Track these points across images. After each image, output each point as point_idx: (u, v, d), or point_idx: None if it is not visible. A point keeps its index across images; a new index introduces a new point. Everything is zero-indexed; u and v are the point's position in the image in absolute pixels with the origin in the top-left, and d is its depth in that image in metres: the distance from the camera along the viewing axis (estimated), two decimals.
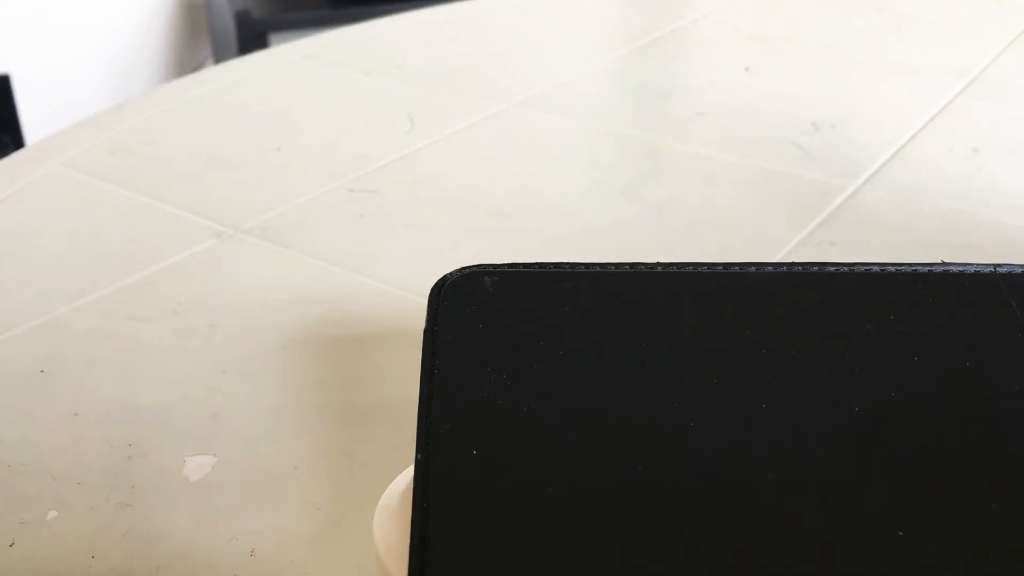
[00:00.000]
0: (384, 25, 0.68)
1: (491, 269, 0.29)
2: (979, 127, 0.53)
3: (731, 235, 0.43)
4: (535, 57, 0.64)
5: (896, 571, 0.22)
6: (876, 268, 0.28)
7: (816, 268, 0.28)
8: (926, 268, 0.28)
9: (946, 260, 0.28)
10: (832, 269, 0.28)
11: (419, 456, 0.24)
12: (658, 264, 0.29)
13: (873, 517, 0.22)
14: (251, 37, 1.45)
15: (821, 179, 0.47)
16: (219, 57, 1.50)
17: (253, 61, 0.64)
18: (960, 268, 0.28)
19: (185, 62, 1.54)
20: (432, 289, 0.29)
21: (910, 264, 0.28)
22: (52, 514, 0.29)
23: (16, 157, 0.52)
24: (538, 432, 0.25)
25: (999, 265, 0.28)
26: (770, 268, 0.29)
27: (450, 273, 0.29)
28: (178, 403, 0.33)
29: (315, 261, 0.41)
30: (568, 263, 0.30)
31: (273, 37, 1.46)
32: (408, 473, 0.27)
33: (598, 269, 0.29)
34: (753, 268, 0.29)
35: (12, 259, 0.42)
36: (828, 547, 0.22)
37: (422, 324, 0.28)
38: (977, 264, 0.28)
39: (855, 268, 0.28)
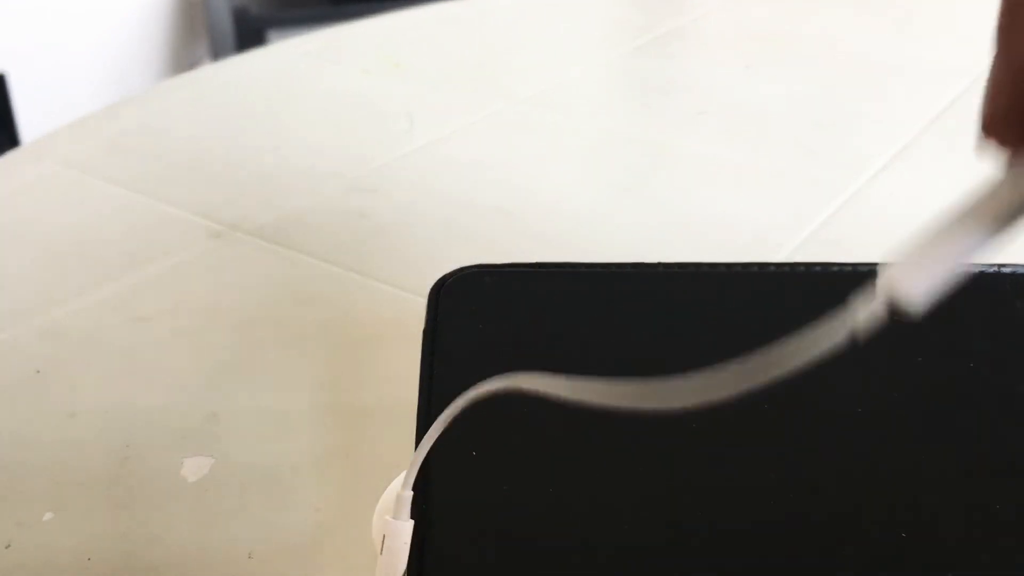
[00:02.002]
0: (384, 23, 0.68)
1: (491, 269, 0.29)
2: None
3: (732, 234, 0.42)
4: (535, 55, 0.63)
5: (897, 568, 0.21)
6: (878, 268, 0.28)
7: (818, 268, 0.28)
8: None
9: None
10: (835, 269, 0.28)
11: None
12: (659, 264, 0.29)
13: (876, 513, 0.22)
14: (249, 34, 1.45)
15: (823, 178, 0.47)
16: (217, 55, 1.50)
17: (251, 59, 0.64)
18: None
19: (182, 60, 1.54)
20: (432, 289, 0.29)
21: None
22: (48, 515, 0.29)
23: (13, 156, 0.52)
24: (537, 433, 0.25)
25: (1003, 264, 0.27)
26: (772, 268, 0.28)
27: (450, 273, 0.29)
28: (176, 404, 0.33)
29: (314, 261, 0.41)
30: (568, 263, 0.30)
31: (271, 34, 1.46)
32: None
33: (598, 269, 0.29)
34: (755, 268, 0.28)
35: (9, 258, 0.42)
36: (827, 547, 0.22)
37: (422, 324, 0.28)
38: (981, 264, 0.28)
39: (858, 268, 0.28)
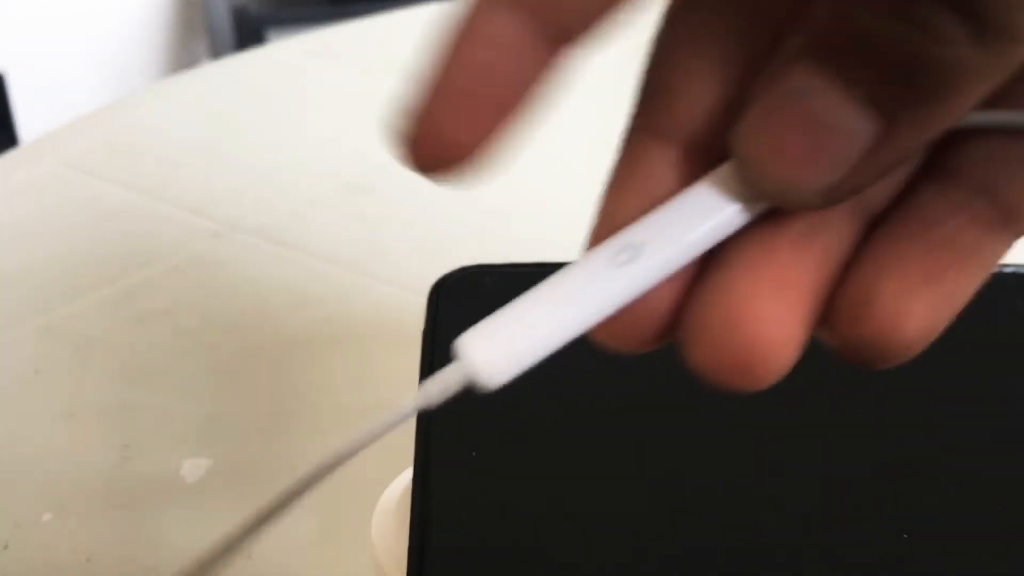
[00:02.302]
0: (383, 22, 0.68)
1: (491, 269, 0.29)
2: None
3: None
4: None
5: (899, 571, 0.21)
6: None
7: None
8: None
9: None
10: None
11: (417, 457, 0.24)
12: None
13: (877, 520, 0.22)
14: (248, 33, 1.44)
15: None
16: (216, 54, 1.50)
17: (250, 58, 0.64)
18: None
19: (181, 59, 1.54)
20: (432, 289, 0.28)
21: None
22: (47, 516, 0.28)
23: (11, 155, 0.52)
24: (537, 434, 0.25)
25: (1005, 265, 0.27)
26: None
27: (450, 273, 0.29)
28: (174, 404, 0.33)
29: (313, 260, 0.41)
30: (568, 262, 0.29)
31: (270, 33, 1.46)
32: (406, 475, 0.26)
33: None
34: None
35: (8, 258, 0.42)
36: (827, 549, 0.22)
37: (421, 324, 0.28)
38: None
39: None
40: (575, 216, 0.50)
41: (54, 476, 0.30)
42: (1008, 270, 0.27)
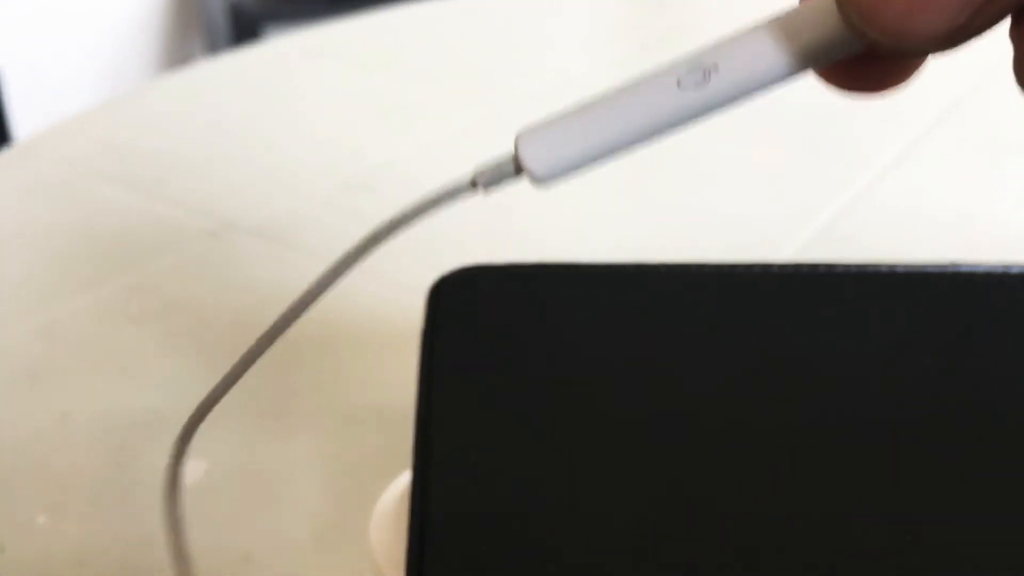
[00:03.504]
0: (382, 19, 0.68)
1: (491, 269, 0.29)
2: (990, 123, 0.52)
3: (735, 233, 0.42)
4: (536, 53, 0.63)
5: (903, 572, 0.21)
6: (884, 268, 0.27)
7: (823, 268, 0.28)
8: (936, 269, 0.27)
9: (956, 260, 0.28)
10: (840, 269, 0.28)
11: (416, 459, 0.24)
12: (661, 264, 0.29)
13: (882, 520, 0.22)
14: (244, 30, 1.44)
15: (828, 175, 0.47)
16: (212, 50, 1.50)
17: (247, 55, 0.63)
18: (971, 268, 0.27)
19: (177, 56, 1.53)
20: (431, 289, 0.28)
21: (920, 265, 0.27)
22: (42, 518, 0.28)
23: (5, 154, 0.51)
24: (537, 435, 0.24)
25: (1010, 266, 0.27)
26: (776, 268, 0.28)
27: (449, 273, 0.29)
28: (171, 405, 0.32)
29: (311, 260, 0.40)
30: (568, 263, 0.29)
31: (267, 30, 1.46)
32: (405, 477, 0.26)
33: (599, 269, 0.29)
34: (758, 268, 0.28)
35: (1, 257, 0.41)
36: (832, 556, 0.22)
37: (420, 324, 0.27)
38: (988, 265, 0.27)
39: (863, 268, 0.28)
40: (575, 216, 0.50)
41: (50, 478, 0.30)
42: (1014, 271, 0.27)
